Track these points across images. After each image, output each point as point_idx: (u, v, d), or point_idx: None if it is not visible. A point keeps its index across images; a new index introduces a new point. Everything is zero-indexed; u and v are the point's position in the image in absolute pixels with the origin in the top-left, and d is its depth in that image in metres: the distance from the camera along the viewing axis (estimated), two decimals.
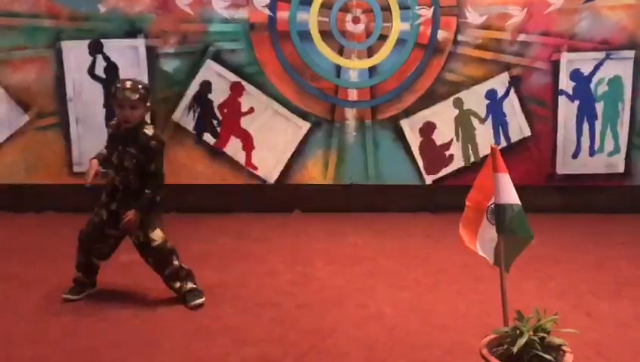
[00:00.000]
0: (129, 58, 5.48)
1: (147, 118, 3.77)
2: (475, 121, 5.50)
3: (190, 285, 3.73)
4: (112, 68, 5.50)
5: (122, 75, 5.49)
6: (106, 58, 5.49)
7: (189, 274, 3.76)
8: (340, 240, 4.94)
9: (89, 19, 5.42)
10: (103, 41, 5.45)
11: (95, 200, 5.46)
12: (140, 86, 3.53)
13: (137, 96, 3.48)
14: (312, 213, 5.55)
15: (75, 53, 5.48)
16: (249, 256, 4.57)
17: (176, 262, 3.71)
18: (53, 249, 4.76)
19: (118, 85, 3.51)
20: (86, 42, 5.46)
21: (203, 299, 3.69)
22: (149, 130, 3.58)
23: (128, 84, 3.51)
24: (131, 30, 5.44)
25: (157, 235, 3.68)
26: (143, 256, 3.74)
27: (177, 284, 3.72)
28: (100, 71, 5.52)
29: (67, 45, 5.46)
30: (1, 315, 3.60)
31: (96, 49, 5.47)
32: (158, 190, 3.61)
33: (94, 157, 3.69)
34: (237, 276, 4.19)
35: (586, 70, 5.39)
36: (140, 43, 5.44)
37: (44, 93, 5.55)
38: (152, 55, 5.47)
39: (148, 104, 3.58)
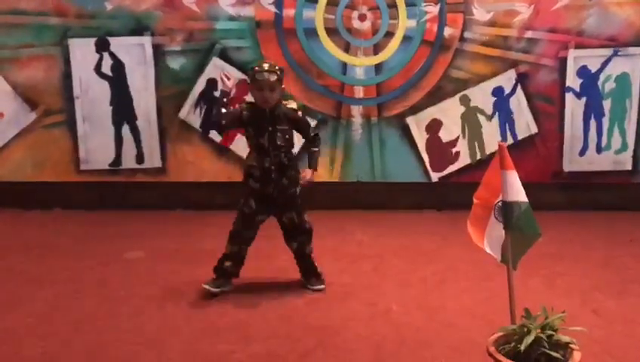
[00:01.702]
0: (135, 56, 5.49)
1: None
2: (481, 119, 5.48)
3: (315, 267, 3.90)
4: (118, 66, 5.52)
5: (129, 72, 5.51)
6: (113, 56, 5.51)
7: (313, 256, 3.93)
8: (346, 237, 4.94)
9: (96, 17, 5.44)
10: (109, 38, 5.47)
11: (99, 197, 5.50)
12: (276, 68, 3.61)
13: (275, 77, 3.57)
14: (319, 211, 5.52)
15: (82, 51, 5.50)
16: (256, 254, 4.54)
17: (311, 246, 3.89)
18: (61, 246, 4.78)
19: (257, 68, 3.59)
20: (93, 40, 5.48)
21: (324, 286, 3.87)
22: (291, 104, 3.73)
23: (266, 66, 3.59)
24: (138, 28, 5.45)
25: (307, 218, 3.85)
26: (291, 238, 3.84)
27: (315, 264, 3.90)
28: (106, 69, 5.54)
29: (74, 43, 5.48)
30: (9, 312, 3.62)
31: (102, 47, 5.49)
32: (320, 147, 3.84)
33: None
34: (244, 273, 4.18)
35: (594, 67, 5.36)
36: (147, 41, 5.46)
37: (51, 91, 5.57)
38: (159, 53, 5.48)
39: (283, 86, 3.66)
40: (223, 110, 3.70)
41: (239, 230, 3.78)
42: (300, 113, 3.74)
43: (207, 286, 3.77)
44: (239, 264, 3.88)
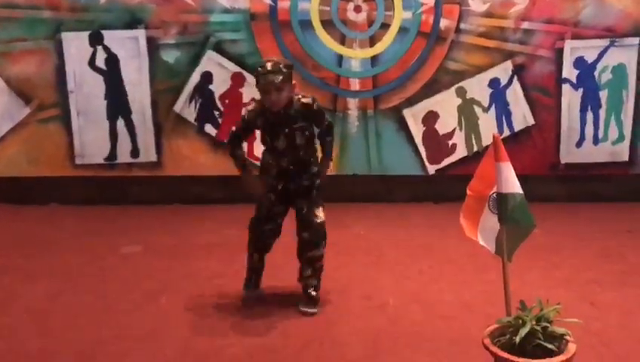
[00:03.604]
0: (129, 49, 5.46)
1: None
2: (478, 110, 5.47)
3: (314, 282, 3.56)
4: (112, 59, 5.49)
5: (123, 66, 5.48)
6: (107, 49, 5.47)
7: (321, 269, 3.60)
8: (343, 230, 4.93)
9: (89, 11, 5.40)
10: (103, 32, 5.43)
11: (95, 192, 5.47)
12: (281, 66, 3.24)
13: (281, 77, 3.22)
14: None
15: (76, 45, 5.46)
16: None
17: (322, 250, 3.57)
18: (58, 241, 4.77)
19: (260, 70, 3.25)
20: (86, 34, 5.44)
21: (315, 310, 3.49)
22: (305, 99, 3.41)
23: (269, 66, 3.23)
24: (131, 21, 5.41)
25: (321, 213, 3.56)
26: (300, 230, 3.57)
27: (309, 272, 3.55)
28: (100, 62, 5.50)
29: (67, 37, 5.44)
30: (6, 308, 3.61)
31: (96, 40, 5.45)
32: (333, 135, 3.69)
33: (245, 172, 3.60)
34: (241, 267, 4.17)
35: (590, 58, 5.34)
36: (141, 34, 5.42)
37: (45, 85, 5.54)
38: (153, 46, 5.44)
39: (293, 82, 3.33)
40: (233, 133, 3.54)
41: (257, 224, 3.60)
42: (314, 106, 3.44)
43: (243, 293, 3.66)
44: (264, 252, 3.71)
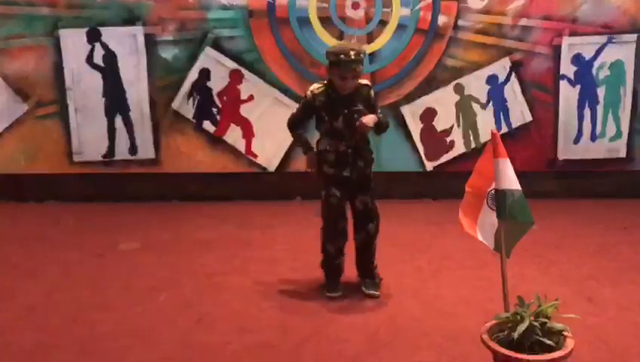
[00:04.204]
0: (127, 46, 5.45)
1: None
2: (476, 107, 5.47)
3: (377, 268, 3.70)
4: (110, 56, 5.48)
5: (121, 63, 5.47)
6: (105, 46, 5.46)
7: None
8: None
9: (87, 7, 5.39)
10: (101, 29, 5.42)
11: (93, 189, 5.46)
12: (361, 55, 3.35)
13: (361, 66, 3.36)
14: (314, 201, 5.52)
15: (74, 42, 5.45)
16: (250, 244, 4.57)
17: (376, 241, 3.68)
18: (55, 238, 4.77)
19: (342, 57, 3.29)
20: (84, 30, 5.43)
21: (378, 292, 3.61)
22: (364, 81, 3.52)
23: (353, 54, 3.29)
24: (129, 18, 5.40)
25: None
26: (363, 223, 3.60)
27: (373, 259, 3.68)
28: (98, 59, 5.49)
29: (65, 33, 5.43)
30: (3, 304, 3.61)
31: (94, 37, 5.44)
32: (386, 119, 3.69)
33: (306, 148, 3.60)
34: (239, 263, 4.19)
35: (588, 54, 5.35)
36: (139, 30, 5.41)
37: (43, 82, 5.53)
38: (151, 42, 5.44)
39: (362, 66, 3.41)
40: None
41: (333, 222, 3.57)
42: (372, 91, 3.54)
43: (330, 295, 3.60)
44: (342, 250, 3.69)
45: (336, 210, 3.56)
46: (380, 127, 3.56)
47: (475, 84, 5.42)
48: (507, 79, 5.41)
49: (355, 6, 5.35)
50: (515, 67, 5.37)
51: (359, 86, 3.47)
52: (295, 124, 3.64)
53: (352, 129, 3.44)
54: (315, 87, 3.51)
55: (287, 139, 5.55)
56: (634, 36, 5.28)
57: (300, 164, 5.60)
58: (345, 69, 3.32)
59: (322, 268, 3.71)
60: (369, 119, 3.41)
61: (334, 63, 3.36)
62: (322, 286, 3.69)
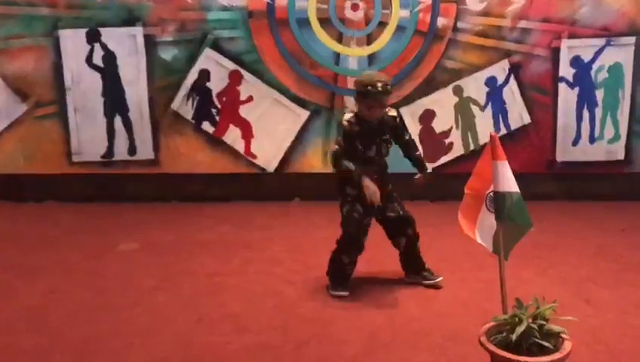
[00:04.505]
0: (127, 46, 5.46)
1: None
2: (475, 109, 5.48)
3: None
4: (110, 57, 5.48)
5: (120, 63, 5.47)
6: (104, 47, 5.47)
7: None
8: (339, 228, 4.93)
9: (87, 8, 5.40)
10: (100, 29, 5.43)
11: (92, 189, 5.46)
12: (389, 87, 3.49)
13: (389, 97, 3.52)
14: (313, 202, 5.55)
15: (73, 42, 5.46)
16: (250, 245, 4.58)
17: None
18: (54, 238, 4.77)
19: (370, 88, 3.42)
20: (84, 31, 5.43)
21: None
22: (391, 112, 3.65)
23: (380, 86, 3.42)
24: (129, 18, 5.41)
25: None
26: (399, 233, 3.74)
27: (419, 259, 3.83)
28: (98, 60, 5.50)
29: (65, 34, 5.44)
30: (3, 304, 3.61)
31: (94, 37, 5.45)
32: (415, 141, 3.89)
33: (359, 174, 3.55)
34: (238, 264, 4.20)
35: (587, 57, 5.37)
36: (138, 31, 5.42)
37: (42, 82, 5.53)
38: (150, 43, 5.45)
39: (389, 96, 3.57)
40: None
41: (355, 237, 3.65)
42: (398, 119, 3.68)
43: (337, 294, 3.67)
44: (354, 265, 3.79)
45: (360, 226, 3.65)
46: (424, 165, 3.85)
47: (474, 86, 5.44)
48: (506, 81, 5.42)
49: (355, 7, 5.36)
50: (514, 69, 5.39)
51: (388, 117, 3.60)
52: (342, 156, 3.60)
53: (380, 156, 3.64)
54: (348, 116, 3.58)
55: (287, 139, 5.59)
56: (632, 39, 5.30)
57: (300, 165, 5.62)
58: (373, 100, 3.45)
59: (329, 274, 3.76)
60: (420, 180, 3.79)
61: (363, 94, 3.47)
62: (327, 287, 3.72)
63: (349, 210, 3.65)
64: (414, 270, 3.83)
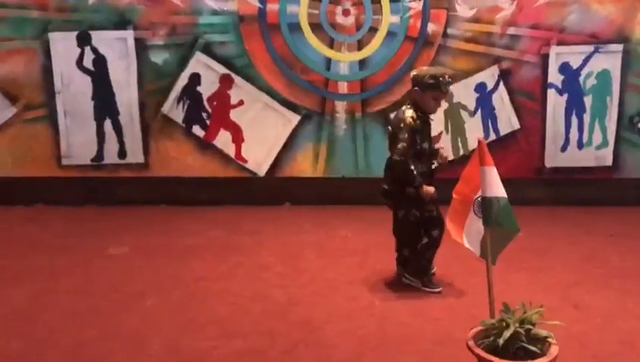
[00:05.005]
0: (118, 50, 5.44)
1: None
2: (464, 115, 5.51)
3: None
4: (100, 60, 5.47)
5: (111, 67, 5.46)
6: (95, 50, 5.46)
7: None
8: (330, 232, 4.95)
9: (77, 11, 5.38)
10: (91, 32, 5.41)
11: (82, 193, 5.43)
12: (452, 78, 3.64)
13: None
14: (303, 206, 5.56)
15: (64, 45, 5.44)
16: (239, 249, 4.57)
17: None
18: (44, 242, 4.74)
19: (441, 79, 3.52)
20: (74, 34, 5.42)
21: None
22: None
23: (448, 77, 3.56)
24: (120, 22, 5.40)
25: None
26: (429, 230, 3.73)
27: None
28: (88, 63, 5.48)
29: (55, 37, 5.42)
30: None
31: (84, 41, 5.43)
32: None
33: (420, 182, 3.61)
34: (227, 268, 4.19)
35: (575, 63, 5.41)
36: (129, 35, 5.41)
37: (32, 85, 5.51)
38: (141, 47, 5.44)
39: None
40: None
41: (440, 234, 3.71)
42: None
43: (432, 289, 3.76)
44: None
45: (440, 221, 3.67)
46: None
47: (464, 92, 5.46)
48: (495, 87, 5.45)
49: (346, 13, 5.38)
50: (504, 75, 5.42)
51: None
52: (409, 157, 3.61)
53: (432, 150, 3.71)
54: (411, 113, 3.60)
55: (277, 144, 5.60)
56: (620, 46, 5.34)
57: (290, 170, 5.62)
58: (445, 90, 3.56)
59: (419, 275, 3.79)
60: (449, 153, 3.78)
61: (432, 86, 3.51)
62: (423, 285, 3.79)
63: (423, 211, 3.68)
64: (410, 271, 3.83)
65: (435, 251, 3.80)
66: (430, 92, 3.53)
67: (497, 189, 2.64)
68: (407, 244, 3.83)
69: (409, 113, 3.58)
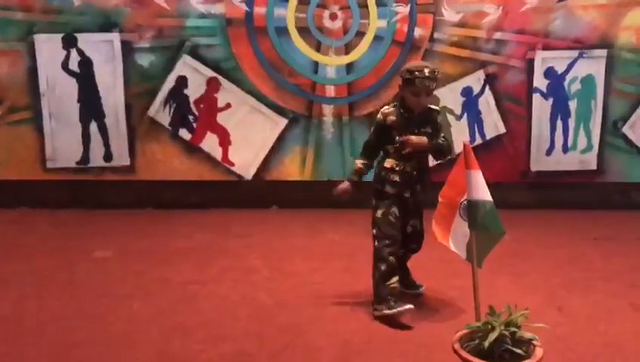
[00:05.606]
0: (104, 52, 5.42)
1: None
2: (450, 118, 5.54)
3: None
4: (86, 62, 5.44)
5: (97, 69, 5.44)
6: (80, 52, 5.43)
7: None
8: (317, 236, 4.96)
9: (63, 13, 5.35)
10: (77, 35, 5.38)
11: (66, 196, 5.39)
12: (435, 73, 3.37)
13: (435, 83, 3.37)
14: (290, 209, 5.56)
15: (49, 47, 5.41)
16: (227, 253, 4.56)
17: None
18: (29, 245, 4.70)
19: (417, 73, 3.31)
20: (60, 36, 5.39)
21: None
22: (434, 106, 3.54)
23: (427, 71, 3.32)
24: (106, 24, 5.38)
25: None
26: (409, 243, 3.64)
27: (410, 273, 3.81)
28: (74, 65, 5.45)
29: (40, 39, 5.39)
30: None
31: (70, 43, 5.40)
32: (447, 150, 3.54)
33: (351, 175, 3.59)
34: (214, 272, 4.18)
35: (560, 68, 5.47)
36: (115, 37, 5.39)
37: (17, 87, 5.47)
38: (127, 49, 5.42)
39: (435, 84, 3.42)
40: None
41: (391, 241, 3.47)
42: (440, 115, 3.53)
43: (386, 312, 3.39)
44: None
45: (394, 229, 3.49)
46: (439, 152, 3.52)
47: (450, 96, 5.50)
48: (481, 91, 5.50)
49: (333, 17, 5.40)
50: (490, 80, 5.47)
51: (430, 110, 3.49)
52: (368, 149, 3.58)
53: (419, 152, 3.45)
54: (385, 108, 3.54)
55: (264, 147, 5.60)
56: (604, 51, 5.42)
57: (277, 173, 5.62)
58: (421, 85, 3.32)
59: (376, 287, 3.52)
60: (418, 138, 3.39)
61: (409, 80, 3.36)
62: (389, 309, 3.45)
63: (384, 213, 3.50)
64: (407, 279, 3.79)
65: (392, 276, 3.48)
66: (407, 87, 3.38)
67: (483, 193, 2.66)
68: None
69: (384, 108, 3.54)
